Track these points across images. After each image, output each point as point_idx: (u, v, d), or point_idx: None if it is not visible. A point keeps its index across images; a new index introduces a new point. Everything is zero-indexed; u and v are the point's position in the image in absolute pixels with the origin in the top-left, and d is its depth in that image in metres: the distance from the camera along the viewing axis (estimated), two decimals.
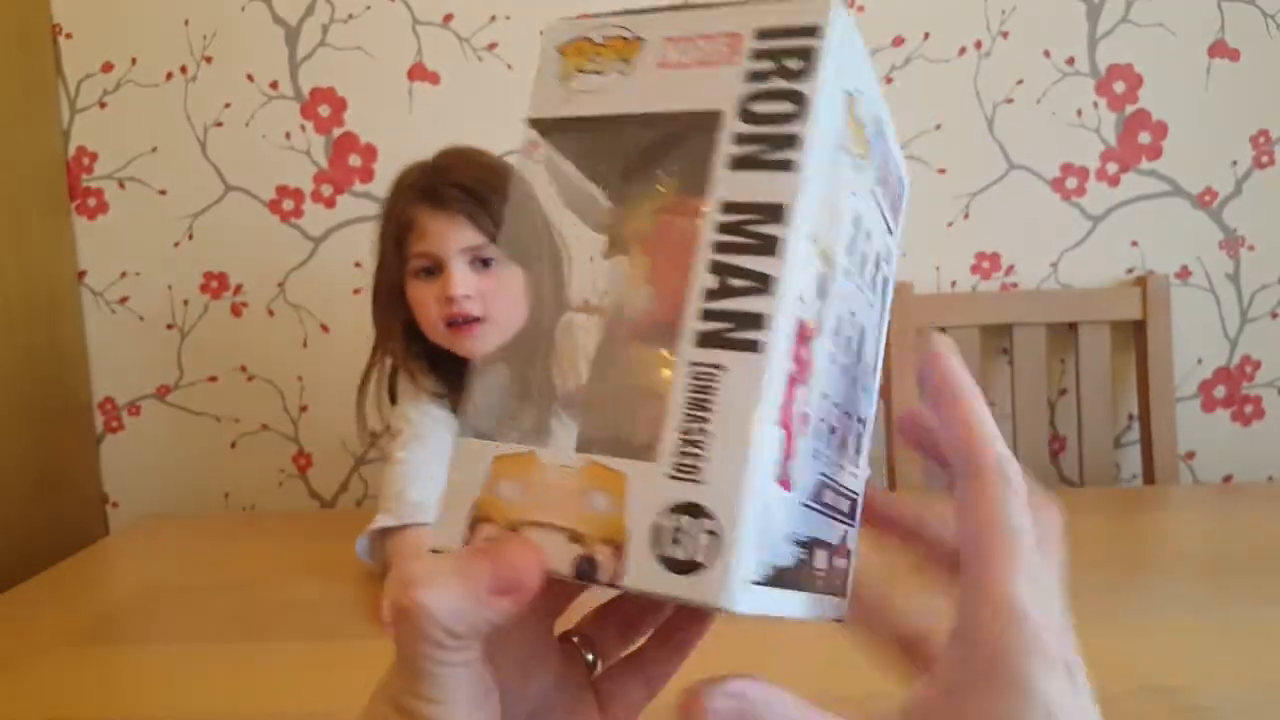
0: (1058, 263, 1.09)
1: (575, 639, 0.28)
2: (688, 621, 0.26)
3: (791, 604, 0.21)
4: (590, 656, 0.28)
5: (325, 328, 1.10)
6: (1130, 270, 1.09)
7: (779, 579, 0.20)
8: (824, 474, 0.22)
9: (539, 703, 0.26)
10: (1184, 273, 1.09)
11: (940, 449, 0.24)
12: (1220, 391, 1.11)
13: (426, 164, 0.80)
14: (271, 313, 1.10)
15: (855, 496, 0.25)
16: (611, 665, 0.27)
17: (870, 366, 0.24)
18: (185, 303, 1.10)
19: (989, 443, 0.23)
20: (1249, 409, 1.11)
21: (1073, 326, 1.07)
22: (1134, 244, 1.09)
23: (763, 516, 0.19)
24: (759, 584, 0.19)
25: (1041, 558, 0.23)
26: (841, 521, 0.24)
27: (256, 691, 0.56)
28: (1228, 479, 1.12)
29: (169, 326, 1.10)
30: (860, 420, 0.25)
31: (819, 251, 0.20)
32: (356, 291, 1.09)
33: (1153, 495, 0.97)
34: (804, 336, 0.20)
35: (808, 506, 0.21)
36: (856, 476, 0.25)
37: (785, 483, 0.20)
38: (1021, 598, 0.22)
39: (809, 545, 0.21)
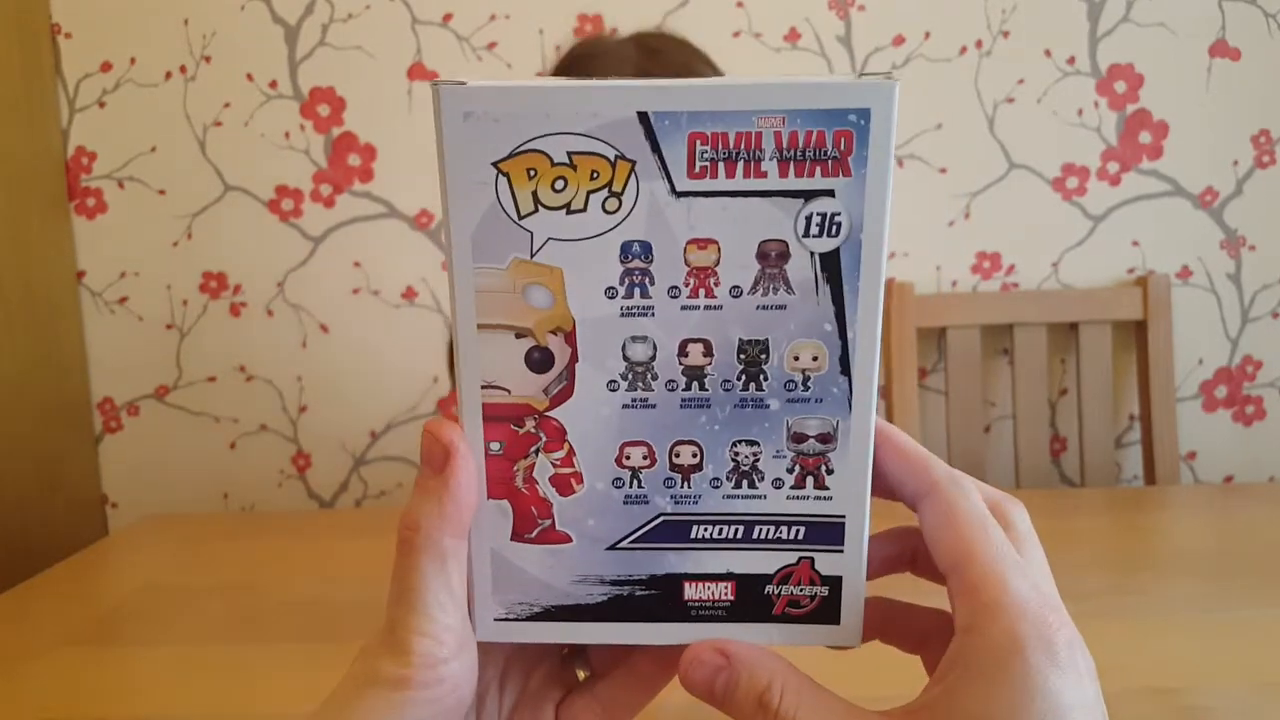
0: (1059, 262, 1.09)
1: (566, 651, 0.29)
2: (654, 661, 0.27)
3: (615, 633, 0.25)
4: (582, 674, 0.28)
5: (324, 328, 1.10)
6: (1131, 270, 1.09)
7: (559, 615, 0.25)
8: (673, 514, 0.25)
9: (509, 699, 0.27)
10: (1185, 273, 1.09)
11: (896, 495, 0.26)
12: (1221, 392, 1.11)
13: (626, 43, 0.66)
14: (271, 313, 1.10)
15: (808, 521, 0.25)
16: (576, 695, 0.28)
17: (781, 380, 0.24)
18: (184, 303, 1.10)
19: (934, 462, 0.25)
20: (1250, 409, 1.11)
21: (1074, 326, 1.07)
22: (1135, 244, 1.08)
23: (499, 570, 0.25)
24: (515, 620, 0.25)
25: (1026, 546, 0.24)
26: (771, 550, 0.25)
27: (256, 692, 0.56)
28: (1229, 479, 1.12)
29: (168, 326, 1.10)
30: (789, 439, 0.24)
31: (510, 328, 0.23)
32: (356, 291, 1.09)
33: (1153, 496, 0.97)
34: (502, 416, 0.24)
35: (624, 549, 0.25)
36: (819, 499, 0.25)
37: (542, 537, 0.24)
38: (1014, 587, 0.22)
39: (648, 582, 0.25)
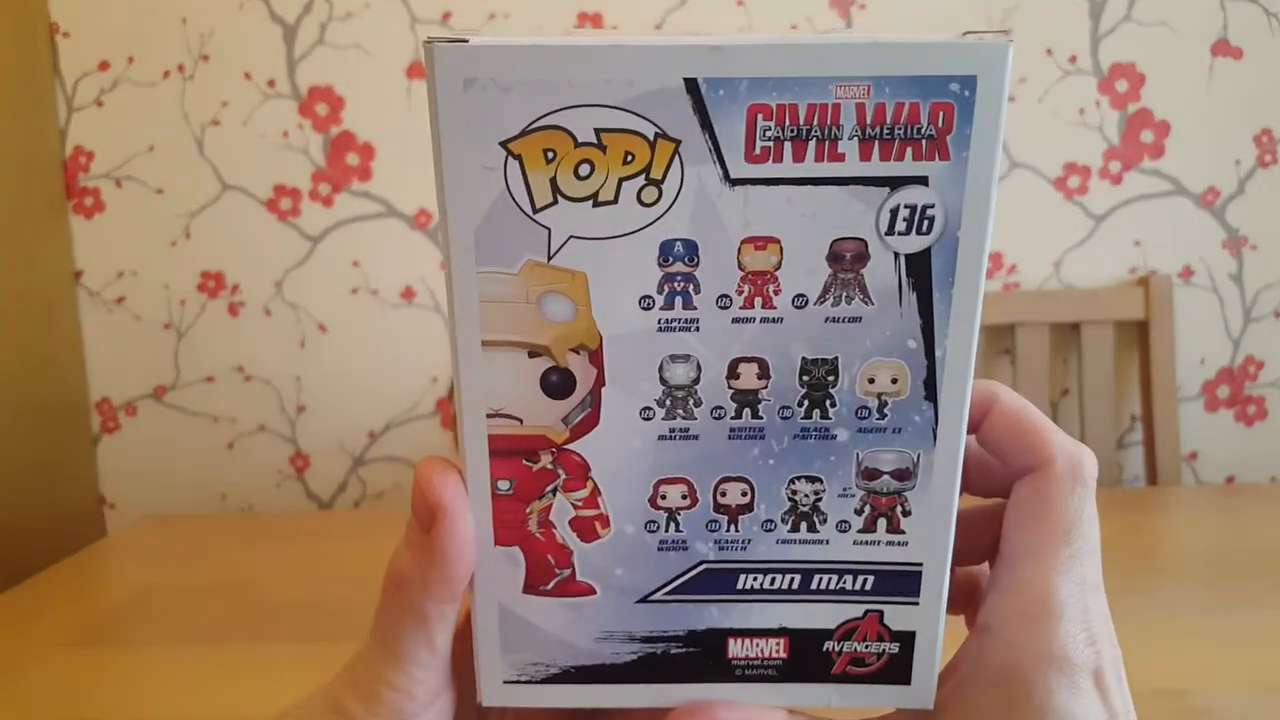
0: (1060, 262, 1.09)
1: None
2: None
3: (645, 696, 0.22)
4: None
5: (323, 328, 1.10)
6: (1133, 270, 1.09)
7: (580, 676, 0.21)
8: (717, 562, 0.21)
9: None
10: (1187, 272, 1.08)
11: (990, 471, 0.23)
12: (1223, 392, 1.10)
13: None
14: (269, 312, 1.09)
15: (878, 570, 0.21)
16: None
17: (852, 406, 0.20)
18: (182, 302, 1.10)
19: (1053, 436, 0.22)
20: (1252, 409, 1.11)
21: (1075, 326, 1.07)
22: (1137, 243, 1.08)
23: (508, 627, 0.21)
24: (528, 682, 0.22)
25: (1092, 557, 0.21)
26: (832, 602, 0.21)
27: (254, 693, 0.55)
28: (1230, 480, 1.11)
29: (166, 326, 1.10)
30: (860, 475, 0.21)
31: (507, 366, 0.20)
32: (354, 291, 1.09)
33: (1155, 496, 0.97)
34: (512, 450, 0.20)
35: (658, 602, 0.21)
36: (892, 545, 0.21)
37: (560, 589, 0.21)
38: (1060, 594, 0.20)
39: (686, 639, 0.21)
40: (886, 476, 0.21)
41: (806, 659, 0.22)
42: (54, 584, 0.76)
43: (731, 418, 0.20)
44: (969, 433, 0.21)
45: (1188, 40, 1.05)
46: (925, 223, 0.19)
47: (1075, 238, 1.08)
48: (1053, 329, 1.06)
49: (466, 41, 0.18)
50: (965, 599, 0.25)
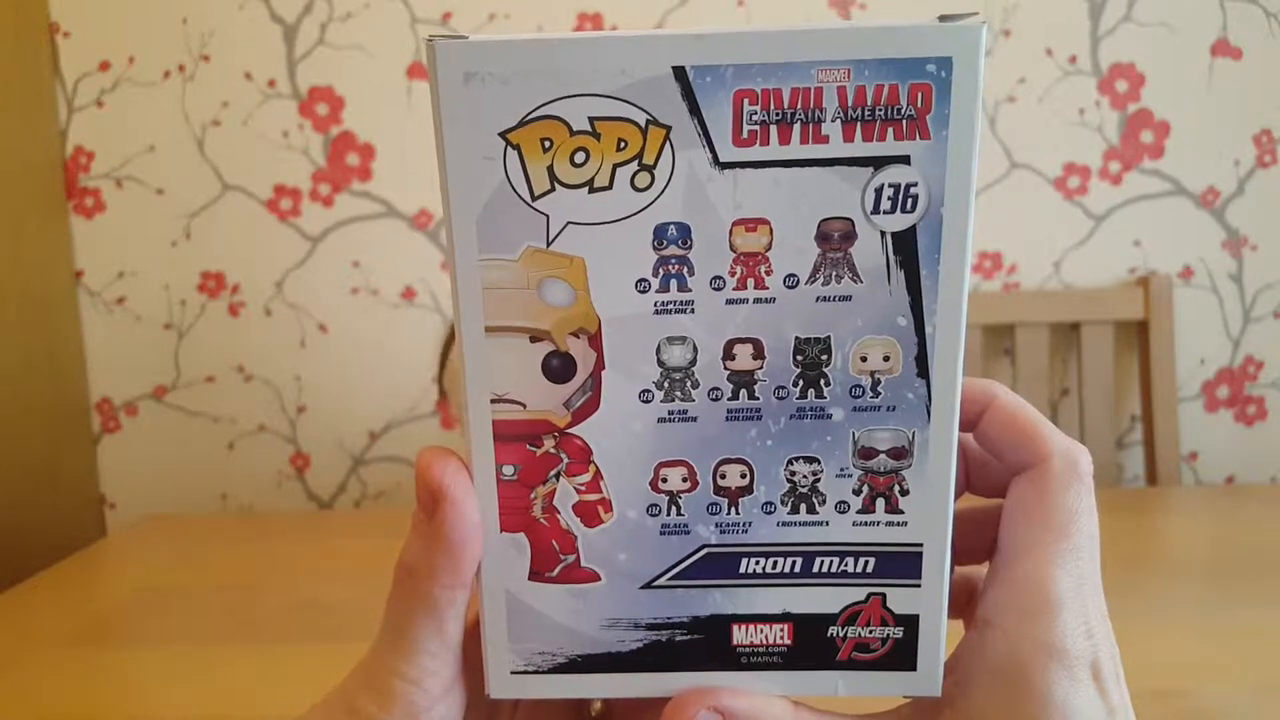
0: (1060, 262, 1.09)
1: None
2: None
3: (651, 685, 0.22)
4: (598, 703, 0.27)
5: (323, 328, 1.10)
6: (1133, 270, 1.09)
7: (586, 665, 0.21)
8: (719, 545, 0.21)
9: None
10: (1187, 272, 1.08)
11: (985, 470, 0.23)
12: (1223, 392, 1.10)
13: None
14: (269, 312, 1.09)
15: (879, 551, 0.21)
16: None
17: (846, 385, 0.21)
18: (182, 302, 1.10)
19: (1050, 433, 0.22)
20: (1252, 409, 1.11)
21: (1075, 326, 1.07)
22: (1136, 244, 1.08)
23: (515, 615, 0.21)
24: (535, 672, 0.21)
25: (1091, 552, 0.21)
26: (835, 585, 0.21)
27: (254, 693, 0.55)
28: (1230, 480, 1.11)
29: (166, 326, 1.10)
30: (856, 456, 0.21)
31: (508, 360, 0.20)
32: (355, 291, 1.09)
33: (1155, 496, 0.97)
34: (516, 435, 0.21)
35: (661, 587, 0.21)
36: (891, 525, 0.21)
37: (565, 576, 0.21)
38: (1059, 587, 0.20)
39: (690, 626, 0.22)
40: (883, 455, 0.21)
41: (811, 645, 0.22)
42: (54, 583, 0.76)
43: (729, 399, 0.20)
44: (966, 430, 0.22)
45: (1187, 40, 1.05)
46: (909, 201, 0.19)
47: (1075, 238, 1.08)
48: (1052, 329, 1.06)
49: (466, 39, 0.19)
50: (964, 602, 0.25)
